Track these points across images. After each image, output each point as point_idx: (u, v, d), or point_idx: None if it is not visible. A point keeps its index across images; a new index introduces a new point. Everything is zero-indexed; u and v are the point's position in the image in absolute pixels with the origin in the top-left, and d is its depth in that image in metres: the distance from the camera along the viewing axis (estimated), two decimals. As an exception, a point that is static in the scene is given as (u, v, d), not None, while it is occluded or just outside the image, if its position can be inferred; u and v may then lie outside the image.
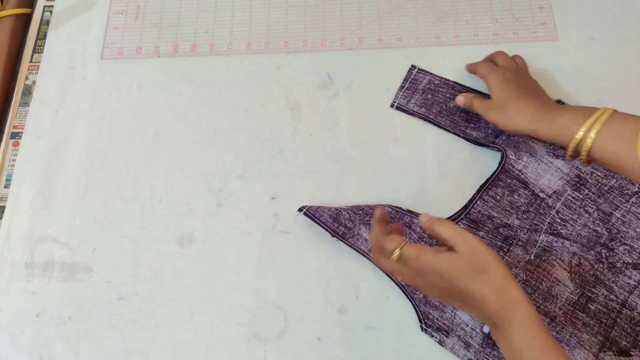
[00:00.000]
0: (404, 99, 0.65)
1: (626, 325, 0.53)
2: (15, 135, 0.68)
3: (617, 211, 0.57)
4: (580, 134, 0.48)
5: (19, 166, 0.66)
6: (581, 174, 0.58)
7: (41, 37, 0.74)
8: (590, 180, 0.58)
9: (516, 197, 0.58)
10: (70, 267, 0.60)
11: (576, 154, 0.50)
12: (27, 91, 0.71)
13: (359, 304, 0.57)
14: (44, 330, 0.58)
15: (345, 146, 0.64)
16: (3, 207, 0.64)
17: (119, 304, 0.58)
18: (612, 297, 0.54)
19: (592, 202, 0.57)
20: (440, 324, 0.55)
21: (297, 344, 0.56)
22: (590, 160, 0.50)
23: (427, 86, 0.65)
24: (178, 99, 0.68)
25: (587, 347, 0.52)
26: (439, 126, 0.64)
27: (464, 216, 0.58)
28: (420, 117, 0.64)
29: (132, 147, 0.66)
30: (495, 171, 0.59)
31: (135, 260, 0.60)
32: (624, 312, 0.53)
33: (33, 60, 0.73)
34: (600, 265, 0.55)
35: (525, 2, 0.71)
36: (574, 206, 0.57)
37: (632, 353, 0.52)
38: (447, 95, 0.65)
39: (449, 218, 0.59)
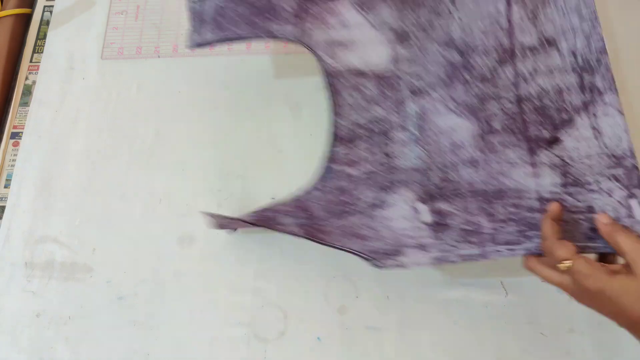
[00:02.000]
0: (197, 35, 0.58)
1: (534, 116, 0.50)
2: (15, 135, 0.68)
3: (454, 28, 0.54)
4: None
5: (19, 166, 0.66)
6: (402, 28, 0.55)
7: (41, 37, 0.74)
8: (407, 28, 0.54)
9: (364, 89, 0.54)
10: (70, 267, 0.60)
11: None
12: (27, 91, 0.71)
13: (359, 304, 0.57)
14: (44, 331, 0.58)
15: (345, 146, 0.64)
16: (3, 207, 0.64)
17: (119, 304, 0.58)
18: (505, 103, 0.51)
19: (427, 38, 0.54)
20: (386, 248, 0.51)
21: (297, 344, 0.56)
22: None
23: (214, 12, 0.57)
24: (178, 99, 0.68)
25: (520, 161, 0.50)
26: (244, 39, 0.57)
27: (337, 141, 0.54)
28: (223, 41, 0.57)
29: (132, 147, 0.66)
30: (325, 83, 0.55)
31: (135, 260, 0.60)
32: (524, 106, 0.51)
33: (33, 60, 0.73)
34: (474, 87, 0.52)
35: None
36: (415, 55, 0.54)
37: (558, 136, 0.50)
38: (236, 4, 0.57)
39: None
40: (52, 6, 0.76)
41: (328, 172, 0.54)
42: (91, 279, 0.60)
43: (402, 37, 0.55)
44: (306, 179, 0.63)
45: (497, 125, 0.51)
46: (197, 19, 0.58)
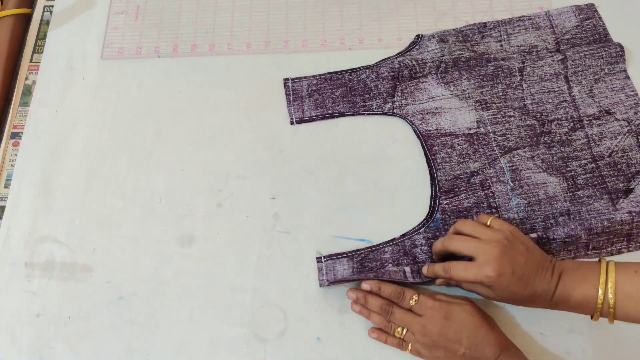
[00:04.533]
0: (298, 111, 0.66)
1: (611, 172, 0.59)
2: (15, 135, 0.68)
3: (527, 99, 0.63)
4: (600, 300, 0.46)
5: (19, 166, 0.66)
6: (477, 96, 0.64)
7: (41, 37, 0.74)
8: (486, 98, 0.64)
9: (458, 148, 0.62)
10: (70, 267, 0.60)
11: (605, 316, 0.48)
12: (27, 91, 0.71)
13: (359, 304, 0.57)
14: (44, 330, 0.58)
15: (345, 146, 0.64)
16: (3, 207, 0.64)
17: (119, 304, 0.58)
18: (584, 162, 0.60)
19: (506, 107, 0.63)
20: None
21: (297, 344, 0.56)
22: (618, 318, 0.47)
23: (309, 89, 0.67)
24: (178, 99, 0.68)
25: (606, 210, 0.57)
26: (343, 115, 0.65)
27: (440, 193, 0.60)
28: (323, 118, 0.65)
29: (132, 147, 0.66)
30: (421, 144, 0.63)
31: (135, 260, 0.60)
32: (600, 164, 0.60)
33: (33, 60, 0.73)
34: (555, 149, 0.60)
35: (525, 2, 0.71)
36: (499, 119, 0.62)
37: (631, 186, 0.58)
38: (331, 86, 0.67)
39: (426, 216, 0.59)
40: (52, 6, 0.76)
41: (436, 222, 0.59)
42: (91, 279, 0.60)
43: (483, 104, 0.63)
44: (306, 179, 0.63)
45: (580, 181, 0.59)
46: (295, 96, 0.66)
